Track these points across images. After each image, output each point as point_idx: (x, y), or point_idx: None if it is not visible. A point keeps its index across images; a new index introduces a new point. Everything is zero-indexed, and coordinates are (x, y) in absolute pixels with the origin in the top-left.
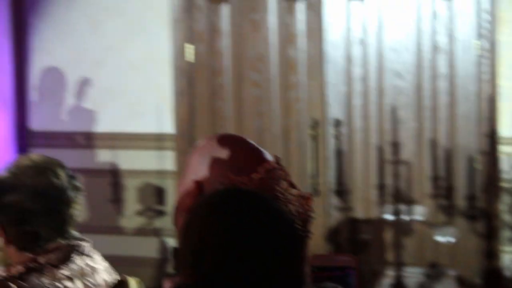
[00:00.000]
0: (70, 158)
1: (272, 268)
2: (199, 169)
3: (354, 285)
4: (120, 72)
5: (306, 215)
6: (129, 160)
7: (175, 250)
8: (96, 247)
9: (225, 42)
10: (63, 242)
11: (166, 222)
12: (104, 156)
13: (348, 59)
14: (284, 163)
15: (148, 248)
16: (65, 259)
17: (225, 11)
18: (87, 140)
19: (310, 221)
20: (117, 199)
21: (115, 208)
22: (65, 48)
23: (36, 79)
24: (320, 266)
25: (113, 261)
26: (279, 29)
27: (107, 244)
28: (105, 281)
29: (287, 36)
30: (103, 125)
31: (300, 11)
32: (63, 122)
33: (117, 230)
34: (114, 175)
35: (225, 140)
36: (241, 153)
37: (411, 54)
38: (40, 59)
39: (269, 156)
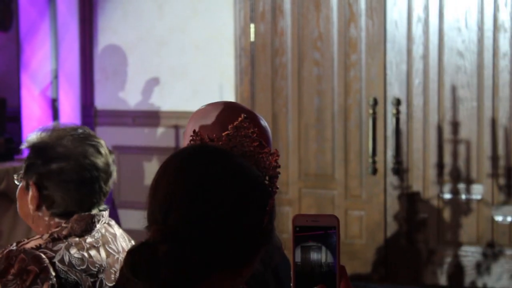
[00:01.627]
0: (134, 136)
1: (236, 222)
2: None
3: (336, 244)
4: (184, 52)
5: (273, 171)
6: None
7: None
8: None
9: (287, 22)
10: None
11: None
12: (168, 134)
13: (409, 38)
14: (343, 142)
15: None
16: (88, 228)
17: None
18: (151, 118)
19: (277, 177)
20: None
21: None
22: (130, 28)
23: (102, 58)
24: (303, 226)
25: None
26: (341, 8)
27: None
28: (123, 247)
29: (349, 15)
30: (167, 104)
31: None
32: (128, 101)
33: None
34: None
35: (217, 105)
36: (228, 115)
37: (472, 33)
38: (106, 39)
39: (263, 123)
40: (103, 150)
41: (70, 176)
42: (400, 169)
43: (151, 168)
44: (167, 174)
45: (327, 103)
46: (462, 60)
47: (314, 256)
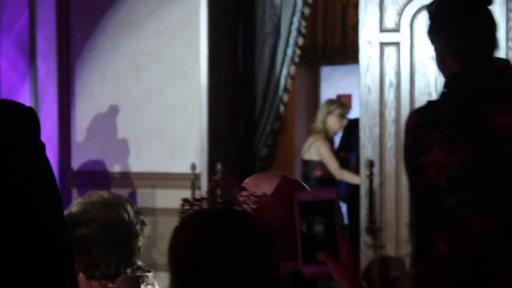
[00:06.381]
0: None
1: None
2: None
3: (337, 216)
4: (161, 114)
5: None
6: (166, 199)
7: None
8: None
9: None
10: (130, 272)
11: None
12: (144, 195)
13: (382, 102)
14: None
15: None
16: None
17: None
18: (128, 179)
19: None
20: (155, 236)
21: (153, 245)
22: (108, 91)
23: (80, 121)
24: (306, 202)
25: None
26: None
27: None
28: None
29: None
30: (144, 166)
31: None
32: (105, 162)
33: (154, 267)
34: (153, 213)
35: (267, 175)
36: (283, 185)
37: None
38: (84, 102)
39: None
40: (125, 213)
41: (91, 240)
42: (373, 228)
43: None
44: (199, 232)
45: None
46: None
47: (316, 226)
